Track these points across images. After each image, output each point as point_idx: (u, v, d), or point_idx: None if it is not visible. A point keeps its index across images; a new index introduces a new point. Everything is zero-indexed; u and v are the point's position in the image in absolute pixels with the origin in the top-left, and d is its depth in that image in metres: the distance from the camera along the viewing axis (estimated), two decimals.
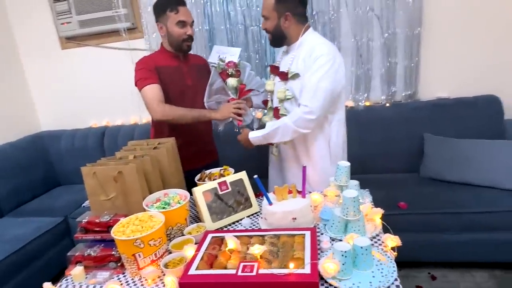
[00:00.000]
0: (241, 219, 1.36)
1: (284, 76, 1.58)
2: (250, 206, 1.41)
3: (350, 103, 2.46)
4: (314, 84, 1.46)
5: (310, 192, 1.41)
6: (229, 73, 1.65)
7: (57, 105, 3.02)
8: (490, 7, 2.22)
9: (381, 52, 2.36)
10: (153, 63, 1.71)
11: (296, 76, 1.54)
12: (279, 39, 1.59)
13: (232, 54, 1.70)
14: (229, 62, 1.66)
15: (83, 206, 2.44)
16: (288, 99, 1.58)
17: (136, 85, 1.70)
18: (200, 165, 1.71)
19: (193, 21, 1.72)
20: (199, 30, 2.45)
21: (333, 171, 1.40)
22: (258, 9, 2.36)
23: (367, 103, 2.46)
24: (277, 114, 1.62)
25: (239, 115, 1.67)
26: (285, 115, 1.57)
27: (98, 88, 2.84)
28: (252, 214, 1.39)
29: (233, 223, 1.35)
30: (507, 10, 2.21)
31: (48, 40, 2.80)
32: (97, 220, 1.23)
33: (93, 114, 2.93)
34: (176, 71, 1.74)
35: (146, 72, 1.68)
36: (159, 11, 1.70)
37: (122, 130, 2.76)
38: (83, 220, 1.24)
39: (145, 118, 2.75)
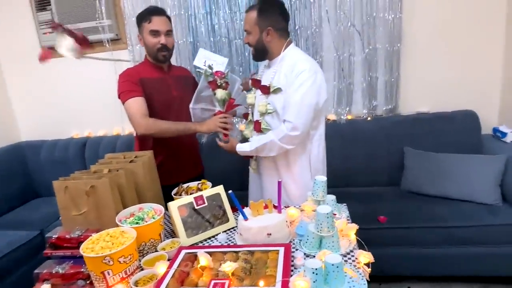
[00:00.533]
0: (217, 234, 1.34)
1: (266, 90, 1.58)
2: (227, 220, 1.39)
3: (332, 117, 2.48)
4: (297, 101, 1.48)
5: (287, 207, 1.41)
6: (218, 84, 1.62)
7: (38, 115, 2.96)
8: (467, 25, 2.29)
9: (362, 67, 2.40)
10: (137, 75, 1.70)
11: (278, 90, 1.55)
12: (261, 53, 1.60)
13: (220, 63, 1.68)
14: (217, 71, 1.64)
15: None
16: (269, 113, 1.58)
17: (119, 97, 1.69)
18: (185, 178, 1.66)
19: (169, 30, 1.71)
20: (183, 42, 2.46)
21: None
22: (242, 23, 2.38)
23: (349, 117, 2.49)
24: (258, 127, 1.62)
25: (226, 129, 1.66)
26: (267, 129, 1.58)
27: (80, 98, 2.81)
28: (229, 229, 1.38)
29: (209, 238, 1.33)
30: (483, 28, 2.28)
31: (30, 48, 2.77)
32: (67, 236, 1.20)
33: (74, 124, 2.88)
34: (161, 82, 1.74)
35: (129, 84, 1.67)
36: (138, 22, 1.72)
37: (104, 141, 2.72)
38: (53, 236, 1.21)
39: (127, 129, 2.72)
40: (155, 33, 1.66)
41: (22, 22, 2.72)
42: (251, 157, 1.69)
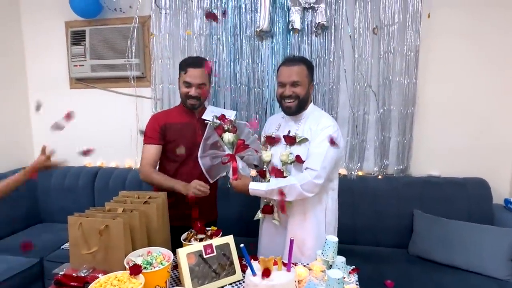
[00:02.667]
0: (223, 287, 1.32)
1: (292, 140, 1.63)
2: (234, 273, 1.37)
3: (343, 171, 2.50)
4: (322, 152, 1.55)
5: (295, 264, 1.39)
6: (225, 129, 1.66)
7: (54, 140, 3.02)
8: (481, 94, 2.36)
9: (376, 126, 2.46)
10: (163, 120, 1.81)
11: (304, 141, 1.61)
12: (303, 106, 1.67)
13: (228, 116, 1.72)
14: (225, 118, 1.69)
15: (62, 248, 2.36)
16: (291, 162, 1.61)
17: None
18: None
19: (202, 84, 1.78)
20: None
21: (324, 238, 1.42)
22: (263, 73, 2.49)
23: (360, 173, 2.50)
24: (280, 175, 1.63)
25: (199, 195, 1.64)
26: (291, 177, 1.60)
27: (98, 129, 2.89)
28: (234, 282, 1.35)
29: None
30: (498, 98, 2.34)
31: (59, 78, 2.91)
32: (74, 274, 1.19)
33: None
34: (187, 127, 1.82)
35: (151, 130, 1.80)
36: (179, 69, 1.83)
37: (116, 172, 2.76)
38: (60, 273, 1.20)
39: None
40: (188, 84, 1.76)
41: (56, 53, 2.88)
42: (271, 208, 1.69)
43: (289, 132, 1.67)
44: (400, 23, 2.30)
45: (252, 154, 1.81)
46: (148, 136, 1.79)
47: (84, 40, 2.70)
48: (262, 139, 1.78)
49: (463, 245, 2.05)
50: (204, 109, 1.90)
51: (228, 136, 1.64)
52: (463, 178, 2.36)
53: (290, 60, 1.70)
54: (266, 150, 1.72)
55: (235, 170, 1.64)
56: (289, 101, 1.64)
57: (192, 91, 1.76)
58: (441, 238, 2.12)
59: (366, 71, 2.39)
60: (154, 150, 1.78)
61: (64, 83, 2.93)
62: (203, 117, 1.76)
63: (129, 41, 2.61)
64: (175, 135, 1.78)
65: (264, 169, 1.72)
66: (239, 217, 2.28)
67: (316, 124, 1.61)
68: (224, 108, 2.54)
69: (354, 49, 2.37)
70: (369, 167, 2.52)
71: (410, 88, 2.36)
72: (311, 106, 1.71)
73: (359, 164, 2.50)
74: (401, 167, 2.46)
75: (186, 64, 1.78)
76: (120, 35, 2.65)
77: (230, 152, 1.69)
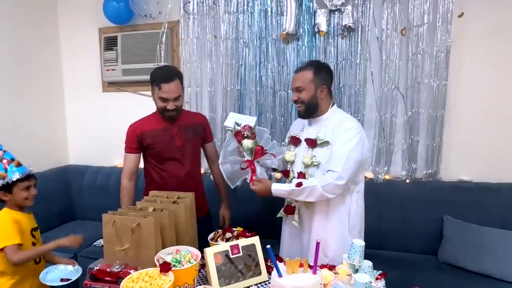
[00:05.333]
0: (248, 287, 1.34)
1: (313, 143, 1.64)
2: (260, 273, 1.39)
3: (370, 175, 2.46)
4: (344, 154, 1.55)
5: (321, 267, 1.39)
6: (244, 135, 1.67)
7: (87, 142, 3.18)
8: None
9: (403, 129, 2.41)
10: (140, 129, 1.86)
11: (325, 143, 1.62)
12: (312, 110, 1.68)
13: (248, 122, 1.74)
14: (244, 125, 1.71)
15: (94, 245, 2.47)
16: (315, 165, 1.62)
17: None
18: None
19: (178, 96, 1.79)
20: (231, 89, 2.61)
21: (350, 241, 1.42)
22: (289, 76, 2.50)
23: (387, 177, 2.46)
24: (303, 178, 1.64)
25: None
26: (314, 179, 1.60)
27: None
28: (260, 283, 1.37)
29: None
30: None
31: (92, 82, 3.05)
32: (108, 269, 1.25)
33: (119, 154, 3.03)
34: (164, 132, 1.85)
35: (128, 139, 1.88)
36: (151, 83, 1.82)
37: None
38: (95, 268, 1.26)
39: None
40: (164, 100, 1.77)
41: (90, 58, 3.02)
42: (293, 209, 1.70)
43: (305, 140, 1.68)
44: (430, 24, 2.24)
45: (270, 158, 1.82)
46: (127, 145, 1.88)
47: (116, 46, 2.82)
48: (287, 139, 1.80)
49: (497, 253, 1.97)
50: (182, 114, 1.91)
51: (247, 143, 1.66)
52: (496, 183, 2.27)
53: (299, 67, 1.74)
54: (290, 150, 1.73)
55: (253, 175, 1.67)
56: (298, 105, 1.69)
57: (170, 105, 1.77)
58: (473, 245, 2.05)
59: (394, 73, 2.35)
60: (132, 158, 1.87)
61: (97, 87, 3.06)
62: (225, 124, 1.76)
63: (158, 46, 2.70)
64: (152, 141, 1.83)
65: (288, 168, 1.73)
66: (255, 218, 2.31)
67: (338, 126, 1.62)
68: (248, 112, 2.59)
69: (382, 51, 2.34)
70: (397, 171, 2.47)
71: (440, 90, 2.30)
72: (333, 109, 1.70)
73: (386, 168, 2.45)
74: (430, 171, 2.39)
75: (159, 79, 1.75)
76: (150, 40, 2.74)
77: (249, 158, 1.70)
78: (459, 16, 2.19)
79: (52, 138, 3.07)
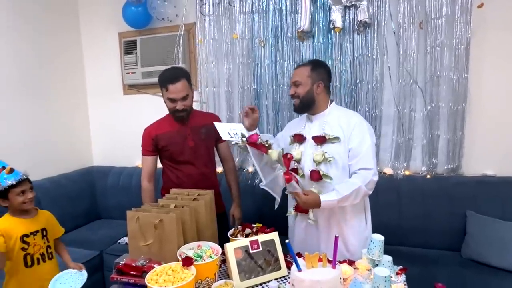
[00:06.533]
0: (268, 281, 1.36)
1: (322, 140, 1.64)
2: (279, 268, 1.41)
3: (389, 171, 2.44)
4: (368, 148, 1.60)
5: (340, 262, 1.40)
6: (266, 145, 1.54)
7: (110, 143, 3.28)
8: None
9: (423, 123, 2.37)
10: (154, 131, 1.91)
11: (335, 139, 1.62)
12: (308, 105, 1.69)
13: (240, 129, 1.62)
14: (252, 135, 1.57)
15: (119, 243, 2.55)
16: (329, 160, 1.62)
17: None
18: None
19: (185, 95, 1.81)
20: (247, 88, 2.64)
21: (368, 233, 1.45)
22: None
23: (407, 172, 2.43)
24: (317, 176, 1.62)
25: None
26: (327, 175, 1.60)
27: None
28: (280, 277, 1.39)
29: (260, 284, 1.36)
30: None
31: (113, 85, 3.14)
32: (133, 264, 1.30)
33: (140, 154, 3.12)
34: (177, 134, 1.89)
35: (144, 142, 1.95)
36: (159, 84, 1.86)
37: None
38: (121, 262, 1.31)
39: None
40: (172, 100, 1.80)
41: (110, 62, 3.12)
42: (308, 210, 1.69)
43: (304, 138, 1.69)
44: (449, 16, 2.20)
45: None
46: (143, 148, 1.95)
47: (136, 49, 2.90)
48: (289, 138, 1.74)
49: None
50: (192, 113, 1.93)
51: (275, 153, 1.55)
52: None
53: (298, 64, 1.77)
54: (296, 149, 1.69)
55: (297, 184, 1.60)
56: (293, 100, 1.71)
57: (178, 105, 1.80)
58: (497, 241, 2.00)
59: (412, 67, 2.32)
60: (149, 160, 1.94)
61: (118, 89, 3.16)
62: (225, 138, 1.60)
63: (175, 48, 2.76)
64: (166, 143, 1.88)
65: (295, 166, 1.69)
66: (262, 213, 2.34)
67: (346, 121, 1.63)
68: (265, 111, 2.60)
69: (399, 45, 2.31)
70: (417, 166, 2.43)
71: (460, 83, 2.25)
72: (332, 105, 1.71)
73: (405, 163, 2.42)
74: (451, 166, 2.35)
75: (165, 81, 1.79)
76: (167, 43, 2.80)
77: (282, 169, 1.62)
78: (479, 7, 2.14)
79: (76, 141, 3.19)
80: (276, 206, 1.68)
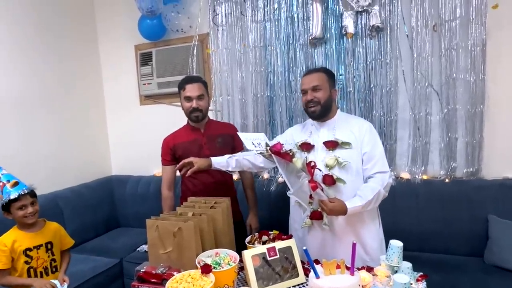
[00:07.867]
0: None
1: (334, 145, 1.64)
2: (297, 275, 1.41)
3: (406, 175, 2.41)
4: (381, 152, 1.64)
5: (358, 269, 1.39)
6: (290, 154, 1.53)
7: (128, 153, 3.36)
8: None
9: (440, 127, 2.34)
10: (172, 141, 2.00)
11: (347, 144, 1.62)
12: (326, 111, 1.68)
13: (263, 139, 1.61)
14: (275, 144, 1.55)
15: (138, 251, 2.59)
16: (344, 165, 1.61)
17: None
18: None
19: (200, 95, 1.90)
20: (261, 96, 2.67)
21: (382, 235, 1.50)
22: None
23: (425, 177, 2.39)
24: (331, 180, 1.62)
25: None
26: (341, 179, 1.60)
27: None
28: (298, 285, 1.39)
29: None
30: None
31: (131, 97, 3.23)
32: (153, 272, 1.32)
33: (157, 163, 3.17)
34: (193, 144, 1.95)
35: (163, 152, 2.03)
36: (178, 90, 1.97)
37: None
38: (142, 270, 1.34)
39: None
40: (188, 98, 1.90)
41: (127, 73, 3.21)
42: (320, 214, 1.66)
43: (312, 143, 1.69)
44: (463, 17, 2.18)
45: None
46: (162, 158, 2.04)
47: (151, 60, 2.97)
48: (295, 146, 1.71)
49: None
50: (209, 123, 2.01)
51: (299, 161, 1.53)
52: None
53: (309, 70, 1.77)
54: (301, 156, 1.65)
55: (322, 190, 1.56)
56: (312, 105, 1.66)
57: (193, 103, 1.89)
58: None
59: (427, 70, 2.30)
60: (169, 169, 2.03)
61: (135, 100, 3.24)
62: (247, 148, 1.63)
63: (190, 58, 2.82)
64: (184, 152, 1.92)
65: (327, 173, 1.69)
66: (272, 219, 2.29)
67: (357, 127, 1.66)
68: (279, 118, 2.62)
69: (412, 48, 2.30)
70: (435, 170, 2.39)
71: (477, 85, 2.22)
72: (339, 112, 1.73)
73: (423, 168, 2.39)
74: (471, 169, 2.30)
75: (183, 82, 1.93)
76: (182, 53, 2.87)
77: (307, 177, 1.57)
78: (494, 8, 2.11)
79: (96, 151, 3.28)
80: (304, 214, 1.71)
